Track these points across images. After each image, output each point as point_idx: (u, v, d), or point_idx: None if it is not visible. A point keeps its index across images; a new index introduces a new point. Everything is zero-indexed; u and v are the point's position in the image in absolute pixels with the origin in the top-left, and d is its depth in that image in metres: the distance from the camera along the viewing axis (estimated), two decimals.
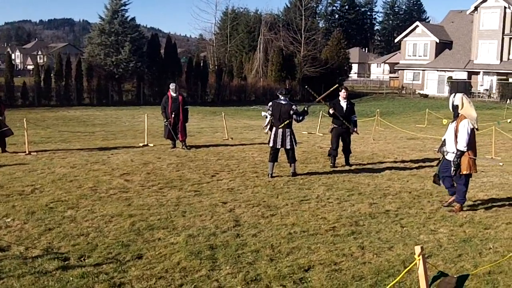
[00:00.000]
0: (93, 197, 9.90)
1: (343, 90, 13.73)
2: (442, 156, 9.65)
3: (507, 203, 10.04)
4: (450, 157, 9.29)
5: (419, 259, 4.31)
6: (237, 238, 7.56)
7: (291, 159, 12.34)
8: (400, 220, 8.70)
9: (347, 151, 13.90)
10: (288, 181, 11.65)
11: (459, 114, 9.19)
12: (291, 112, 11.95)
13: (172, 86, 16.78)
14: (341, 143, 13.75)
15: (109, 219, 8.44)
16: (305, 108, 12.30)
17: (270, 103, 12.38)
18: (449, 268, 6.54)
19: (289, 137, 12.07)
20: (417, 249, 4.34)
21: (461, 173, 9.15)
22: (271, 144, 12.15)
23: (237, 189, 10.84)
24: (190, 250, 6.98)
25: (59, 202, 9.45)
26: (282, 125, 11.96)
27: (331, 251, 7.08)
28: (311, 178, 12.14)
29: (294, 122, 12.22)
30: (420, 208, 9.50)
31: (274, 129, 12.14)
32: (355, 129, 13.72)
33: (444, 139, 9.56)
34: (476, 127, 9.18)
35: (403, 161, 14.91)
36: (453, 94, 9.52)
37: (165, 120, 16.60)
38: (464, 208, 9.43)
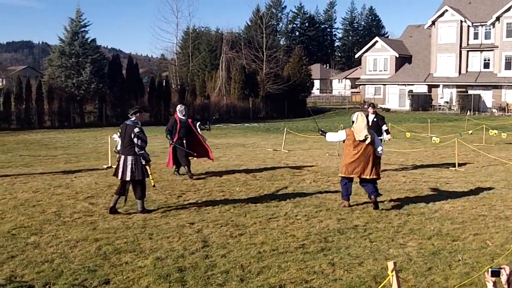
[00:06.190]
0: (57, 222, 9.65)
1: (370, 107, 15.05)
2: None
3: (473, 214, 10.15)
4: None
5: (392, 275, 4.28)
6: (206, 259, 7.45)
7: (136, 194, 10.31)
8: (369, 235, 8.71)
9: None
10: (255, 200, 11.58)
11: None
12: (132, 135, 9.95)
13: (180, 107, 14.73)
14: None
15: (74, 244, 8.23)
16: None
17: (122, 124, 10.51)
18: (420, 281, 6.55)
19: (129, 167, 9.99)
20: (390, 265, 4.31)
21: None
22: (118, 175, 10.23)
23: (204, 209, 10.72)
24: (158, 273, 6.84)
25: (22, 228, 9.18)
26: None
27: (302, 269, 7.02)
28: (278, 195, 12.10)
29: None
30: (388, 222, 9.52)
31: (122, 156, 10.19)
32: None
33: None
34: (361, 138, 10.44)
35: None
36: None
37: (170, 142, 14.58)
38: (432, 221, 9.55)
